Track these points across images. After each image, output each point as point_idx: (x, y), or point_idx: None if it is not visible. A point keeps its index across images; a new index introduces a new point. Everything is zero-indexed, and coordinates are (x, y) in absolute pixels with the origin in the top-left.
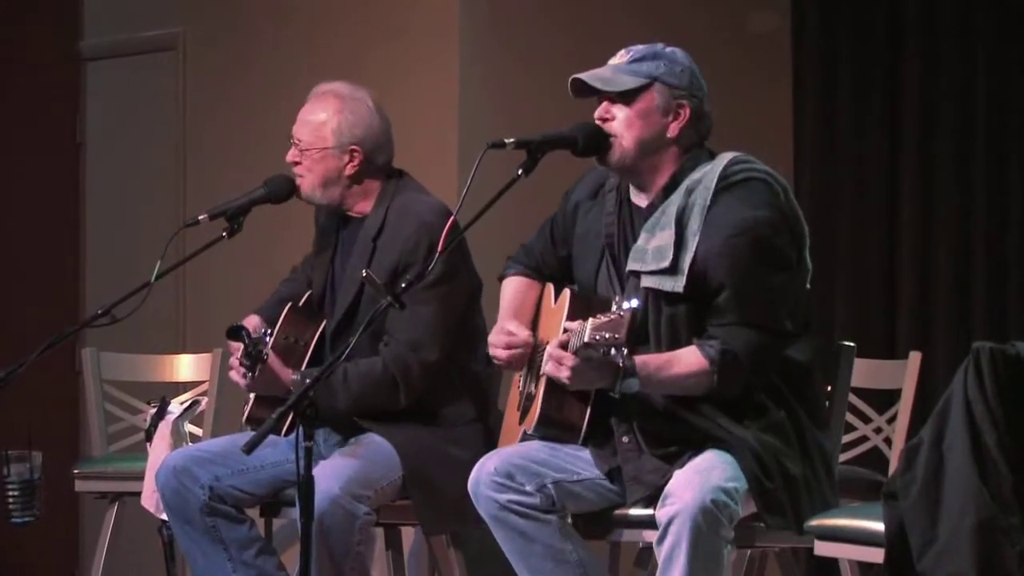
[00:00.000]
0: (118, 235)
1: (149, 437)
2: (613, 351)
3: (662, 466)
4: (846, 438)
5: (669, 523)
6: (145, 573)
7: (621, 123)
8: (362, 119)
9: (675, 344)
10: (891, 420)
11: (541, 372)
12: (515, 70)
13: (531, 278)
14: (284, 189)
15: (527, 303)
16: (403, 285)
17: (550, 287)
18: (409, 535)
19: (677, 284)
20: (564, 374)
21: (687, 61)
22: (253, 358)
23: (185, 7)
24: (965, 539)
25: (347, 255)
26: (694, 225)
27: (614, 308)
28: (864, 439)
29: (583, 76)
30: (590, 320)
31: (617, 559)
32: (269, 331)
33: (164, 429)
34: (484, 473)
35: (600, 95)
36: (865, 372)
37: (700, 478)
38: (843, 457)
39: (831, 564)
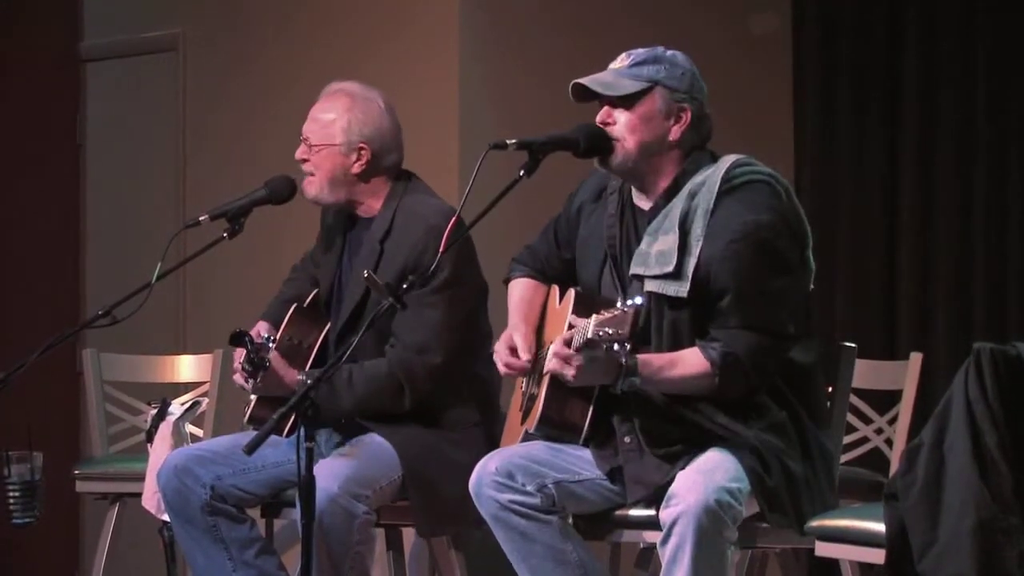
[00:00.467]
0: (118, 235)
1: (150, 438)
2: (617, 347)
3: (663, 466)
4: (847, 439)
5: (673, 524)
6: (146, 574)
7: (623, 127)
8: (372, 118)
9: (677, 347)
10: (892, 421)
11: (545, 371)
12: (515, 70)
13: (537, 280)
14: (285, 190)
15: (534, 305)
16: (404, 286)
17: (555, 288)
18: (410, 536)
19: (681, 289)
20: (568, 372)
21: (688, 64)
22: (256, 364)
23: (185, 7)
24: (966, 540)
25: (354, 256)
26: (697, 229)
27: (618, 305)
28: (865, 440)
29: (584, 81)
30: (594, 316)
31: (618, 560)
32: (272, 337)
33: (165, 430)
34: (485, 473)
35: (601, 99)
36: (866, 373)
37: (703, 478)
38: (844, 458)
39: (832, 565)
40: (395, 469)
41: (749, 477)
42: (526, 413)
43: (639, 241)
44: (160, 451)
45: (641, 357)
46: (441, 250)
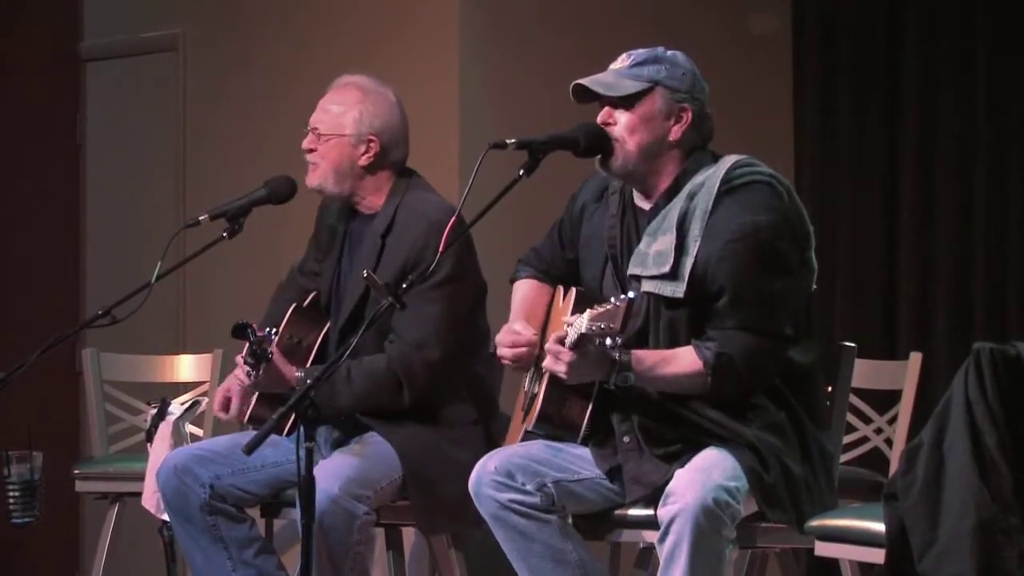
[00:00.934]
0: (118, 235)
1: (150, 438)
2: (609, 340)
3: (662, 465)
4: (847, 439)
5: (671, 522)
6: (145, 574)
7: (623, 128)
8: (383, 111)
9: (673, 347)
10: (892, 421)
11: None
12: (515, 70)
13: (542, 281)
14: (285, 190)
15: (538, 306)
16: (404, 285)
17: (560, 289)
18: (410, 536)
19: (677, 289)
20: (560, 368)
21: (688, 64)
22: (258, 356)
23: (185, 7)
24: (965, 540)
25: (354, 252)
26: (695, 230)
27: (612, 299)
28: (865, 440)
29: (584, 81)
30: (587, 312)
31: (617, 559)
32: (275, 330)
33: (164, 430)
34: (485, 472)
35: (602, 100)
36: (865, 373)
37: (702, 477)
38: (844, 458)
39: (831, 565)
40: (395, 469)
41: (747, 476)
42: (527, 412)
43: (639, 241)
44: (160, 451)
45: (635, 353)
46: (441, 250)
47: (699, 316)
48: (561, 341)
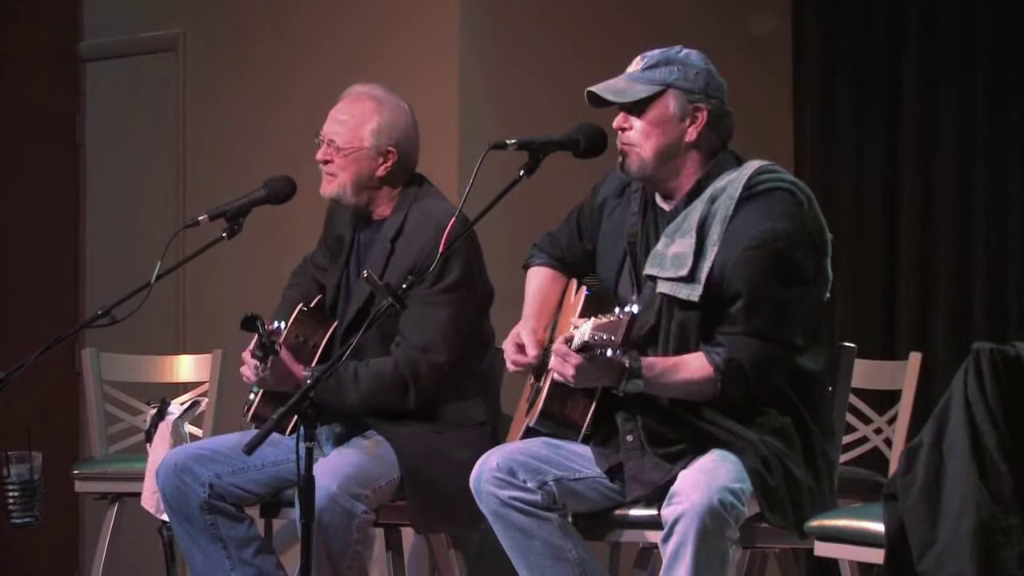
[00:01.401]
0: (118, 235)
1: (149, 438)
2: (610, 351)
3: (663, 465)
4: (846, 439)
5: (675, 522)
6: (145, 574)
7: (638, 133)
8: (399, 121)
9: (683, 349)
10: (891, 421)
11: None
12: (515, 70)
13: (556, 269)
14: (284, 190)
15: (551, 298)
16: (404, 286)
17: (573, 284)
18: (409, 536)
19: (693, 293)
20: (568, 372)
21: (702, 63)
22: (266, 349)
23: (185, 7)
24: (965, 540)
25: (363, 257)
26: (714, 235)
27: (617, 310)
28: (864, 440)
29: (596, 88)
30: (592, 320)
31: (617, 559)
32: (284, 324)
33: (164, 430)
34: (487, 469)
35: (617, 104)
36: (865, 373)
37: (707, 478)
38: (843, 458)
39: (831, 565)
40: (394, 468)
41: (751, 478)
42: (531, 405)
43: (659, 240)
44: (159, 451)
45: (646, 360)
46: (440, 250)
47: (710, 319)
48: (568, 343)
